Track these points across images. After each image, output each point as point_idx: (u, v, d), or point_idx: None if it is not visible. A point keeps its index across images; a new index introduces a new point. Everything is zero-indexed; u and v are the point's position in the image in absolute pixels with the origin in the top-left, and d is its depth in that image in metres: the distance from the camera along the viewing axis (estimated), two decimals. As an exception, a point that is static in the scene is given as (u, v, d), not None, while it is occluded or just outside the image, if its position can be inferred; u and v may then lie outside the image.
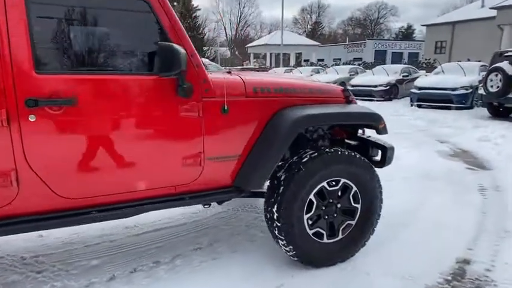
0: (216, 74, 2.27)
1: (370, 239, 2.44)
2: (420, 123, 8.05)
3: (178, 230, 2.90)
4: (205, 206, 2.29)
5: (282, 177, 2.15)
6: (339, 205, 2.29)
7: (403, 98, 12.47)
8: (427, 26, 29.68)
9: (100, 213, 1.79)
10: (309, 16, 60.97)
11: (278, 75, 2.69)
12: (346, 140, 2.70)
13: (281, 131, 2.06)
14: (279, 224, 2.13)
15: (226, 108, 1.99)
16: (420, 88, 10.53)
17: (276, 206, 2.12)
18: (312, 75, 17.47)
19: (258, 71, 11.71)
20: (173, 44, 1.69)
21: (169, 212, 3.01)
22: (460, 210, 3.26)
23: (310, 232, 2.23)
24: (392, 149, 2.49)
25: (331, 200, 2.25)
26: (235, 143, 2.09)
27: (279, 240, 2.18)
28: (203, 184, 2.07)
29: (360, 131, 2.63)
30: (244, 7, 58.40)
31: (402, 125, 7.96)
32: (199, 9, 49.58)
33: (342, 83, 14.31)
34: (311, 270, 2.28)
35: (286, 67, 24.50)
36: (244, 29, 63.46)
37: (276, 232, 2.16)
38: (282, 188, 2.12)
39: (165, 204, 1.99)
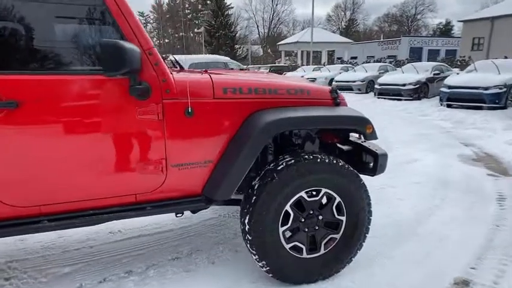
0: (184, 73, 2.14)
1: (358, 254, 2.23)
2: (445, 124, 7.53)
3: (162, 236, 2.81)
4: (178, 215, 2.16)
5: (256, 186, 1.99)
6: (320, 217, 2.09)
7: (433, 97, 11.76)
8: (464, 21, 28.04)
9: (52, 223, 1.71)
10: (343, 13, 59.67)
11: (259, 75, 2.50)
12: (339, 145, 2.49)
13: (250, 136, 1.90)
14: (249, 237, 1.97)
15: (190, 110, 1.85)
16: (450, 87, 9.86)
17: (247, 218, 1.97)
18: (340, 73, 17.03)
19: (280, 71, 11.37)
20: (119, 41, 1.57)
21: (158, 216, 2.92)
22: (471, 223, 2.93)
23: (287, 246, 2.05)
24: (384, 156, 2.24)
25: (311, 212, 2.07)
26: (204, 148, 1.95)
27: (252, 255, 2.02)
28: (168, 192, 1.94)
29: (356, 135, 2.40)
30: (277, 4, 58.19)
31: (425, 125, 7.49)
32: (231, 7, 50.13)
33: (371, 81, 13.81)
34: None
35: (316, 65, 24.06)
36: (277, 26, 63.29)
37: (248, 245, 2.01)
38: (254, 198, 1.96)
39: (125, 214, 1.88)
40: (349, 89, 14.63)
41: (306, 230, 2.08)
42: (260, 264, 2.02)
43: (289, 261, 2.06)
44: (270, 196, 1.93)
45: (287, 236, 2.06)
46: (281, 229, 2.02)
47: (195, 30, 51.89)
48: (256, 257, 2.00)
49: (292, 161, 1.98)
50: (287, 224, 2.03)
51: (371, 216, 2.21)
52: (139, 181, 1.87)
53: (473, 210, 3.21)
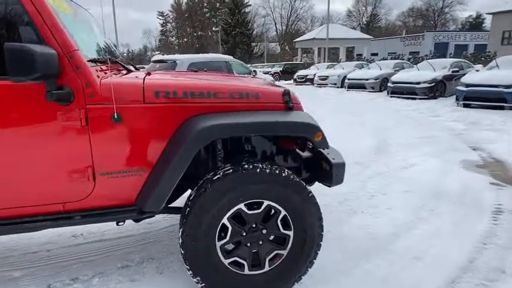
0: (127, 76, 2.03)
1: (314, 270, 2.05)
2: (457, 126, 7.08)
3: (121, 242, 2.72)
4: (119, 224, 2.06)
5: (191, 197, 1.85)
6: (264, 231, 1.92)
7: (451, 96, 11.18)
8: (493, 14, 26.64)
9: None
10: (364, 8, 58.30)
11: (204, 77, 2.33)
12: (299, 152, 2.32)
13: (180, 143, 1.75)
14: (182, 251, 1.83)
15: (116, 116, 1.73)
16: (468, 85, 9.32)
17: (180, 231, 1.83)
18: (354, 70, 16.57)
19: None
20: (26, 45, 1.46)
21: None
22: (455, 239, 2.67)
23: (226, 262, 1.90)
24: (340, 165, 2.05)
25: (254, 225, 1.90)
26: (135, 156, 1.82)
27: (186, 269, 1.89)
28: (98, 202, 1.83)
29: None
30: (295, 1, 57.63)
31: (434, 127, 7.08)
32: (249, 5, 50.00)
33: (385, 79, 13.32)
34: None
35: (331, 63, 23.57)
36: (295, 23, 62.68)
37: (182, 259, 1.87)
38: (187, 209, 1.82)
39: (52, 223, 1.79)
40: (362, 87, 14.18)
41: (249, 244, 1.92)
42: (195, 280, 1.88)
43: (228, 277, 1.91)
44: (202, 208, 1.78)
45: (226, 250, 1.92)
46: (218, 243, 1.87)
47: (213, 28, 52.08)
48: (190, 272, 1.86)
49: (230, 170, 1.83)
50: (225, 238, 1.88)
51: (322, 231, 2.02)
52: (66, 190, 1.76)
53: (463, 224, 2.93)
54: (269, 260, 1.97)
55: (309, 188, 1.95)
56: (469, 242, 2.62)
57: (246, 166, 1.84)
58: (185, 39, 69.18)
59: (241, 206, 1.85)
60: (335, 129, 7.07)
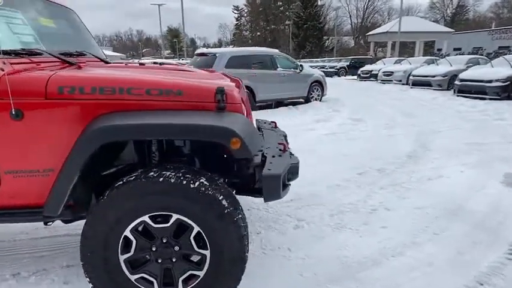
0: (86, 69, 1.96)
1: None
2: (525, 133, 5.90)
3: (54, 242, 2.67)
4: (48, 224, 2.03)
5: (92, 205, 1.74)
6: (177, 248, 1.73)
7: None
8: None
9: None
10: (449, -1, 52.56)
11: (136, 69, 2.16)
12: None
13: (76, 145, 1.64)
14: (82, 263, 1.73)
15: (14, 112, 1.66)
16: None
17: (80, 241, 1.73)
18: (421, 66, 14.99)
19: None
20: None
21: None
22: (446, 274, 2.17)
23: (133, 277, 1.75)
24: (271, 178, 1.76)
25: (164, 240, 1.72)
26: (40, 155, 1.73)
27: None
28: (6, 201, 1.80)
29: None
30: (373, -7, 54.39)
31: (494, 132, 5.99)
32: (323, -3, 48.54)
33: (454, 76, 11.82)
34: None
35: (399, 57, 21.70)
36: (372, 16, 59.25)
37: (84, 272, 1.77)
38: (86, 219, 1.71)
39: None
40: (427, 84, 12.71)
41: (160, 261, 1.75)
42: (95, 293, 1.77)
43: (137, 295, 1.77)
44: (96, 218, 1.66)
45: (132, 265, 1.76)
46: (122, 257, 1.73)
47: (286, 22, 51.68)
48: (91, 285, 1.76)
49: (133, 178, 1.67)
50: (129, 252, 1.73)
51: (246, 253, 1.76)
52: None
53: (466, 255, 2.37)
54: (183, 281, 1.77)
55: (227, 203, 1.69)
56: (461, 280, 2.09)
57: (151, 173, 1.67)
58: (258, 33, 70.06)
59: (146, 218, 1.68)
60: (377, 130, 6.47)
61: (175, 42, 66.02)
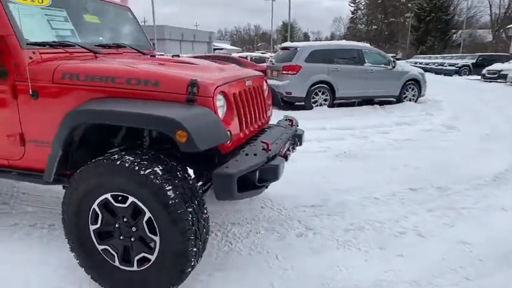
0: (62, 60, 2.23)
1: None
2: None
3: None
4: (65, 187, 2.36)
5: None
6: (134, 229, 1.83)
7: None
8: None
9: None
10: None
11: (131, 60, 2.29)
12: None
13: (60, 123, 1.86)
14: (62, 225, 1.96)
15: (32, 93, 1.99)
16: None
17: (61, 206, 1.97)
18: None
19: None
20: None
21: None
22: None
23: (99, 247, 1.92)
24: (221, 176, 1.71)
25: (125, 220, 1.84)
26: (50, 130, 2.01)
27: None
28: (29, 164, 2.18)
29: None
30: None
31: None
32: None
33: None
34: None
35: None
36: (520, 5, 49.41)
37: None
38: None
39: (2, 174, 2.26)
40: None
41: (121, 238, 1.87)
42: (73, 254, 1.99)
43: (101, 263, 1.92)
44: (71, 188, 1.85)
45: (100, 236, 1.92)
46: (91, 227, 1.90)
47: (406, 15, 47.22)
48: (70, 245, 1.98)
49: (101, 158, 1.81)
50: (97, 224, 1.89)
51: (191, 248, 1.73)
52: (8, 150, 2.18)
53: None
54: (137, 261, 1.86)
55: (174, 194, 1.69)
56: None
57: (114, 156, 1.78)
58: (374, 27, 66.06)
59: (108, 196, 1.81)
60: (469, 141, 5.53)
61: (287, 36, 66.97)
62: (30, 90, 1.98)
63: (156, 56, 2.80)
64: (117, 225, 1.85)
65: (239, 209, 3.04)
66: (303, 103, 8.13)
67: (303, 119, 7.15)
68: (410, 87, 9.10)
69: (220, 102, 1.95)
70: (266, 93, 2.78)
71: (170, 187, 1.70)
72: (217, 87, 1.91)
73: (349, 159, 4.53)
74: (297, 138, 2.71)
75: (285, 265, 2.26)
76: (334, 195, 3.33)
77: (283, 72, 7.93)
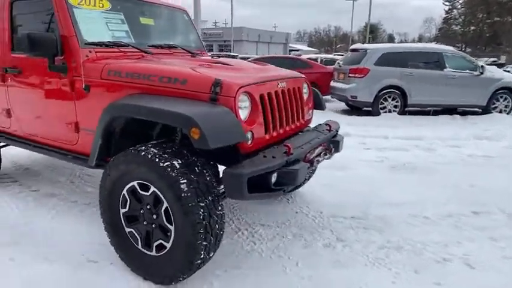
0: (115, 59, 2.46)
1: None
2: None
3: None
4: None
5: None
6: (155, 216, 1.96)
7: None
8: None
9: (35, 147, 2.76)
10: None
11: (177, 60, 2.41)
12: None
13: (100, 115, 2.08)
14: (99, 204, 2.18)
15: (84, 86, 2.26)
16: None
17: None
18: None
19: None
20: (32, 32, 2.20)
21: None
22: None
23: (127, 230, 2.09)
24: (230, 175, 1.76)
25: (148, 207, 1.98)
26: (96, 120, 2.24)
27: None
28: (81, 149, 2.47)
29: None
30: None
31: None
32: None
33: None
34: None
35: None
36: None
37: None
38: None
39: (58, 155, 2.61)
40: None
41: (145, 223, 2.02)
42: (106, 233, 2.19)
43: (127, 244, 2.09)
44: (106, 172, 2.05)
45: (128, 219, 2.08)
46: (121, 210, 2.08)
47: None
48: (103, 225, 2.19)
49: (131, 149, 1.97)
50: (125, 208, 2.06)
51: (200, 241, 1.78)
52: (66, 135, 2.52)
53: None
54: (156, 246, 1.98)
55: (187, 188, 1.76)
56: None
57: (142, 148, 1.92)
58: (472, 28, 59.33)
59: (135, 183, 1.97)
60: None
61: (370, 38, 63.63)
62: (83, 85, 2.25)
63: (199, 57, 2.92)
64: (141, 211, 2.00)
65: (272, 210, 3.03)
66: (369, 108, 7.71)
67: (366, 125, 6.85)
68: (502, 97, 7.98)
69: (244, 103, 1.98)
70: (306, 96, 2.72)
71: (185, 181, 1.77)
72: (240, 87, 1.93)
73: (407, 172, 4.17)
74: (332, 144, 2.60)
75: (303, 273, 2.19)
76: (377, 209, 3.11)
77: (350, 75, 7.61)
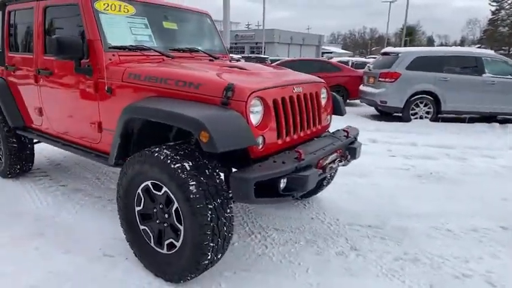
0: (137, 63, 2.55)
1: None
2: None
3: None
4: None
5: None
6: (166, 216, 2.02)
7: None
8: None
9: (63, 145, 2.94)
10: None
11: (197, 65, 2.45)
12: None
13: (118, 117, 2.17)
14: (116, 202, 2.28)
15: (107, 88, 2.38)
16: None
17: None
18: None
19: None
20: (60, 36, 2.34)
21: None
22: None
23: (141, 227, 2.17)
24: (236, 179, 1.78)
25: (161, 206, 2.04)
26: (116, 120, 2.36)
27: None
28: (104, 148, 2.59)
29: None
30: None
31: None
32: None
33: None
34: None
35: None
36: None
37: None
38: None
39: (82, 153, 2.75)
40: None
41: (158, 221, 2.08)
42: (122, 229, 2.28)
43: (141, 241, 2.17)
44: (123, 171, 2.13)
45: (142, 217, 2.16)
46: (136, 208, 2.16)
47: None
48: (120, 221, 2.29)
49: (146, 150, 2.04)
50: (140, 206, 2.14)
51: (207, 242, 1.81)
52: (90, 134, 2.65)
53: None
54: (167, 245, 2.04)
55: (196, 189, 1.80)
56: None
57: (156, 149, 1.98)
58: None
59: (149, 183, 2.04)
60: None
61: (407, 40, 61.17)
62: (106, 87, 2.36)
63: (218, 61, 2.96)
64: (155, 210, 2.07)
65: (288, 215, 3.02)
66: (400, 114, 7.46)
67: (395, 132, 6.64)
68: (547, 105, 7.44)
69: (256, 107, 1.99)
70: (325, 101, 2.69)
71: (194, 182, 1.81)
72: (252, 92, 1.95)
73: (433, 182, 3.99)
74: (348, 151, 2.55)
75: (312, 280, 2.16)
76: (397, 219, 3.01)
77: (380, 79, 7.40)
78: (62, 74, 2.75)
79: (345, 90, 9.94)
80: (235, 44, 44.41)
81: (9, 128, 3.35)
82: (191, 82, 2.05)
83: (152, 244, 2.12)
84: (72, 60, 2.47)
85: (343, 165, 2.54)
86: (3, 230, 2.63)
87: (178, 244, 1.97)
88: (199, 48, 3.10)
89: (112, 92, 2.38)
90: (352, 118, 7.93)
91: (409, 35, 64.45)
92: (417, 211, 3.18)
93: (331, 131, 2.79)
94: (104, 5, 2.52)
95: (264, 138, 2.02)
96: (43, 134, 3.18)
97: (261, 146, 2.01)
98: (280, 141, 2.15)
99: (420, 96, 7.22)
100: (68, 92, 2.72)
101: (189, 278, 1.98)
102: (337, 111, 2.88)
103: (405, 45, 55.33)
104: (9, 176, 3.57)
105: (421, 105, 7.30)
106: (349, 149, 2.56)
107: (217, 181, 1.92)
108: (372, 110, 8.96)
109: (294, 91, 2.28)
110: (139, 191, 2.10)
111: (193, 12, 3.31)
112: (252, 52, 39.45)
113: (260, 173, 1.79)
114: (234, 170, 1.95)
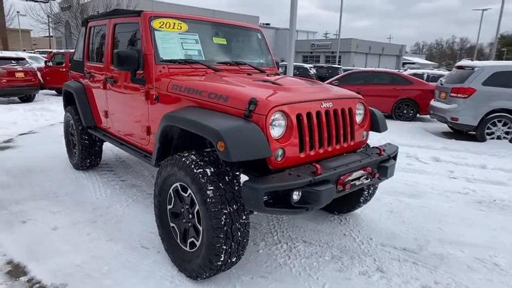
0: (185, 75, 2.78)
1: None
2: None
3: None
4: None
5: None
6: (190, 216, 2.21)
7: None
8: None
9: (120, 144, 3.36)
10: None
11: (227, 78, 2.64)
12: None
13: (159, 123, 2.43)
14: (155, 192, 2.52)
15: (155, 97, 2.68)
16: None
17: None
18: None
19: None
20: (120, 50, 2.71)
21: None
22: None
23: (171, 224, 2.39)
24: (246, 187, 1.88)
25: (187, 207, 2.24)
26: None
27: None
28: (151, 149, 2.90)
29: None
30: None
31: None
32: None
33: None
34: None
35: None
36: None
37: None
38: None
39: (135, 153, 3.09)
40: None
41: (184, 220, 2.28)
42: (156, 224, 2.52)
43: (170, 237, 2.39)
44: (159, 172, 2.37)
45: (172, 215, 2.37)
46: (168, 206, 2.39)
47: None
48: (155, 217, 2.53)
49: (178, 154, 2.24)
50: (171, 205, 2.35)
51: (220, 245, 1.94)
52: (142, 136, 3.00)
53: None
54: (190, 243, 2.23)
55: (212, 194, 1.94)
56: None
57: (184, 154, 2.19)
58: None
59: (178, 185, 2.25)
60: None
61: (504, 51, 54.24)
62: (154, 95, 2.66)
63: (256, 75, 3.07)
64: (182, 210, 2.27)
65: (320, 229, 3.00)
66: (473, 133, 6.78)
67: (464, 152, 6.07)
68: None
69: (278, 121, 2.07)
70: (361, 117, 2.65)
71: (212, 187, 1.96)
72: (274, 106, 2.04)
73: (494, 211, 3.59)
74: (378, 169, 2.46)
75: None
76: (436, 245, 2.80)
77: (452, 94, 6.80)
78: (122, 82, 3.16)
79: (415, 105, 9.34)
80: (311, 53, 44.38)
81: (82, 126, 3.92)
82: (221, 95, 2.22)
83: (178, 241, 2.32)
84: (129, 71, 2.84)
85: (370, 184, 2.48)
86: (68, 214, 3.10)
87: (198, 243, 2.14)
88: (246, 61, 3.28)
89: (159, 100, 2.67)
90: (420, 134, 7.41)
91: (508, 45, 57.28)
92: (464, 239, 2.91)
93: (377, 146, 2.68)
94: (159, 23, 2.85)
95: (284, 151, 2.08)
96: (107, 134, 3.66)
97: (280, 158, 2.07)
98: (302, 155, 2.19)
99: (498, 114, 6.47)
100: (126, 98, 3.12)
101: (204, 276, 2.13)
102: (375, 127, 2.79)
103: (500, 57, 49.09)
104: (81, 168, 4.16)
105: (499, 125, 6.53)
106: (379, 168, 2.48)
107: (236, 188, 2.04)
108: (444, 127, 8.27)
109: (322, 106, 2.30)
110: (170, 191, 2.32)
111: (244, 28, 3.51)
112: (327, 61, 38.97)
113: (270, 184, 1.86)
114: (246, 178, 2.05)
